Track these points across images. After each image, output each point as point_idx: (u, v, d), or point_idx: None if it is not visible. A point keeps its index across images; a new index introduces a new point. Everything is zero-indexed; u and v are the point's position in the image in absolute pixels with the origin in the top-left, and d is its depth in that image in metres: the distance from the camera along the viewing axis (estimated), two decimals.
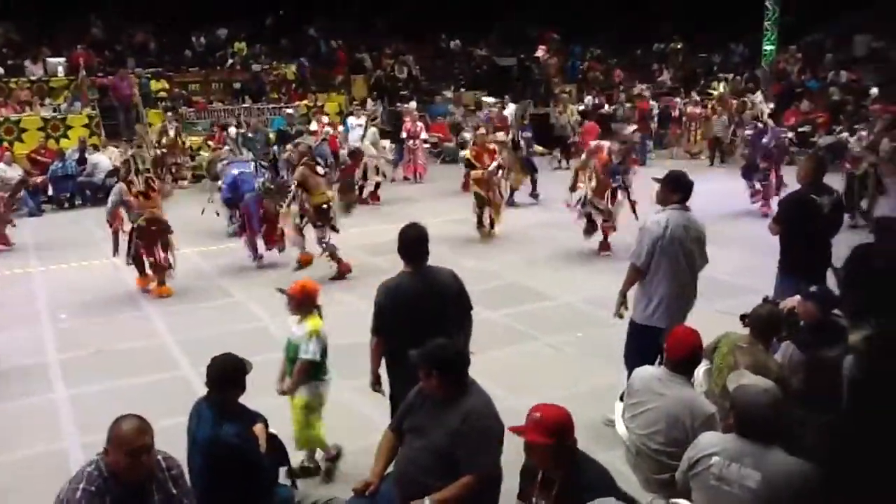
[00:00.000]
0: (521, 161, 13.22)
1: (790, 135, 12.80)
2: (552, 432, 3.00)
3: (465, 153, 11.35)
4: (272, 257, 10.00)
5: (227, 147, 13.24)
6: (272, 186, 9.75)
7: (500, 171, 11.20)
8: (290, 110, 17.90)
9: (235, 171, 10.23)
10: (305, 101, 19.73)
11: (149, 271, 8.82)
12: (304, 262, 9.46)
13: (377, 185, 14.10)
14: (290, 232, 9.62)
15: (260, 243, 9.85)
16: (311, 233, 9.30)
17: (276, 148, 15.16)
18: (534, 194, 13.47)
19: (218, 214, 11.11)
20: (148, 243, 8.61)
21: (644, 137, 16.41)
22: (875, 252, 5.80)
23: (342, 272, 9.13)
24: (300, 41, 23.89)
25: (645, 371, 4.07)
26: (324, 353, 4.68)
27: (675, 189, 5.07)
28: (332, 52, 23.42)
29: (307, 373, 4.64)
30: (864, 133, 11.59)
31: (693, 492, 3.28)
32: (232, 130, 15.74)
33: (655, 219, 4.98)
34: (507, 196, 12.89)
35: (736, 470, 3.10)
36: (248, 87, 20.41)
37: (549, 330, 7.25)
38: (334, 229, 9.14)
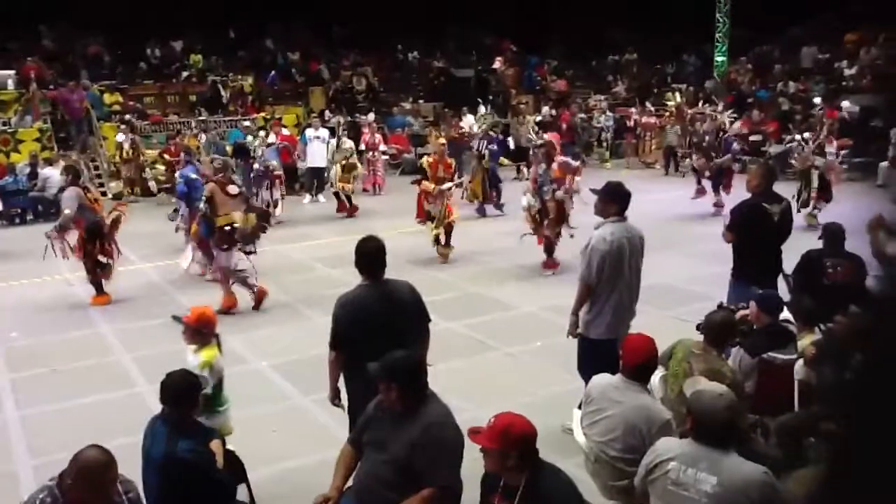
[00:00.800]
0: (484, 172, 13.34)
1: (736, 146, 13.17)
2: (503, 438, 3.01)
3: (423, 160, 10.86)
4: None
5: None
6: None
7: (453, 188, 10.61)
8: (247, 123, 17.74)
9: (193, 176, 10.14)
10: (263, 114, 19.58)
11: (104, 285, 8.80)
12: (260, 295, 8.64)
13: (349, 198, 14.11)
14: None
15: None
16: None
17: (232, 161, 15.05)
18: (499, 205, 13.55)
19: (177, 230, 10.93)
20: (103, 243, 8.67)
21: (567, 147, 16.36)
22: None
23: (258, 300, 8.48)
24: (257, 53, 23.75)
25: (602, 379, 4.11)
26: (219, 384, 4.44)
27: (613, 200, 5.10)
28: (290, 64, 23.31)
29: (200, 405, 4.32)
30: (808, 134, 12.03)
31: (651, 497, 3.32)
32: (203, 137, 15.62)
33: (600, 234, 5.00)
34: (477, 206, 13.10)
35: (692, 475, 3.14)
36: (204, 99, 20.22)
37: (508, 339, 7.28)
38: (247, 252, 8.56)
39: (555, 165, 9.21)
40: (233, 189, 8.38)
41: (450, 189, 10.32)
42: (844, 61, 20.75)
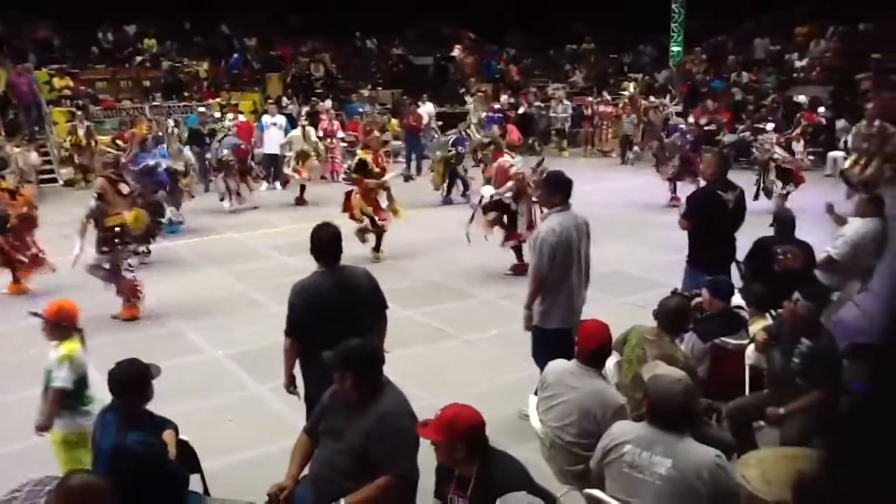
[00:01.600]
0: (446, 166, 13.37)
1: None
2: (449, 430, 3.01)
3: (361, 154, 9.74)
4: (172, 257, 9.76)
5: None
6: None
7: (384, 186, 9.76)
8: (202, 108, 17.45)
9: (151, 162, 9.99)
10: (218, 100, 19.28)
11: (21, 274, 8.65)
12: None
13: (303, 188, 14.03)
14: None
15: None
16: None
17: (187, 147, 14.82)
18: (465, 194, 13.52)
19: None
20: (19, 239, 8.49)
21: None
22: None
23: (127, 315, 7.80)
24: (213, 38, 23.37)
25: (558, 364, 4.14)
26: (81, 381, 4.18)
27: (557, 190, 5.12)
28: (244, 49, 22.99)
29: (59, 403, 4.11)
30: (770, 126, 12.31)
31: (607, 480, 3.36)
32: (170, 122, 15.50)
33: (548, 227, 5.00)
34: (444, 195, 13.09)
35: (647, 458, 3.19)
36: (158, 84, 19.85)
37: (465, 327, 7.31)
38: (137, 253, 8.25)
39: (494, 165, 8.92)
40: (124, 188, 7.83)
41: (381, 186, 9.62)
42: (795, 53, 21.14)
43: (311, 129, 14.31)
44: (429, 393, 5.59)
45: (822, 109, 16.78)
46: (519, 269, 8.68)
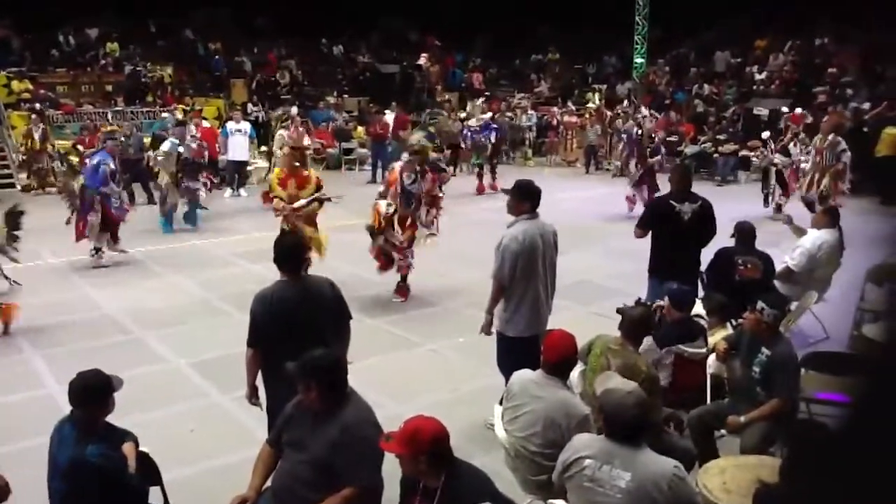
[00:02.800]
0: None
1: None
2: (412, 443, 3.01)
3: (271, 176, 8.51)
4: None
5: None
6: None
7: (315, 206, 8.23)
8: (165, 114, 17.25)
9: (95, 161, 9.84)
10: (182, 105, 19.08)
11: None
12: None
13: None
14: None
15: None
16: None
17: (151, 153, 14.63)
18: None
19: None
20: None
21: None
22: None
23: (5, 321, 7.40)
24: (176, 43, 23.14)
25: (523, 374, 4.16)
26: None
27: (524, 198, 5.14)
28: (210, 54, 22.81)
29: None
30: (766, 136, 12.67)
31: (568, 493, 3.37)
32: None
33: (512, 234, 5.03)
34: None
35: (608, 471, 3.21)
36: (121, 89, 19.57)
37: (431, 335, 7.30)
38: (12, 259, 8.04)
39: (428, 177, 8.12)
40: None
41: (309, 206, 8.06)
42: (755, 66, 21.56)
43: (280, 132, 14.22)
44: (394, 402, 5.58)
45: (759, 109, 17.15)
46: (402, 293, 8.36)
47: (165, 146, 11.90)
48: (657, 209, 6.30)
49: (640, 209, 11.12)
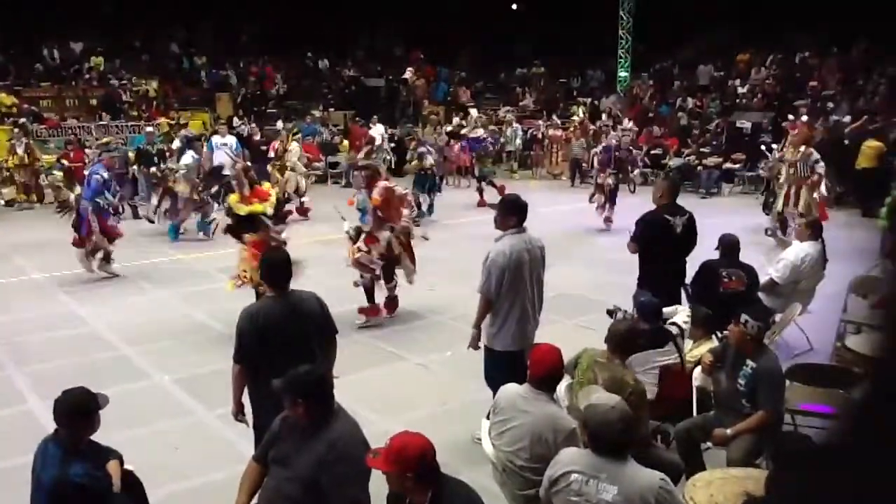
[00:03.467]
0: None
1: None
2: (399, 460, 3.00)
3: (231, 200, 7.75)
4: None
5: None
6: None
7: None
8: (149, 128, 17.19)
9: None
10: (167, 119, 19.02)
11: None
12: None
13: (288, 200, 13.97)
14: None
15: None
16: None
17: (135, 168, 14.58)
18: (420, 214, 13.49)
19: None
20: None
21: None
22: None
23: None
24: (161, 56, 23.11)
25: (510, 389, 4.16)
26: None
27: (511, 212, 5.16)
28: (195, 68, 22.82)
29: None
30: (775, 146, 12.70)
31: None
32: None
33: (499, 248, 5.04)
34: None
35: (594, 486, 3.22)
36: (105, 103, 19.52)
37: (418, 350, 7.29)
38: None
39: (375, 193, 7.64)
40: None
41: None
42: (738, 80, 21.78)
43: (293, 144, 14.54)
44: (382, 417, 5.57)
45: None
46: (370, 312, 8.01)
47: (187, 159, 12.29)
48: (653, 223, 6.31)
49: (620, 225, 11.19)
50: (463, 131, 16.38)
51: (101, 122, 18.51)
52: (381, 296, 8.16)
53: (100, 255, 9.82)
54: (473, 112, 18.07)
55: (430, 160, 14.18)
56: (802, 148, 11.04)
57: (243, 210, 7.51)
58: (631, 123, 14.94)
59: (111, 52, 22.06)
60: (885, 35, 18.18)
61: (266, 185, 8.24)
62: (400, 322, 8.19)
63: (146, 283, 9.75)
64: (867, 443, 0.89)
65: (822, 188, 10.91)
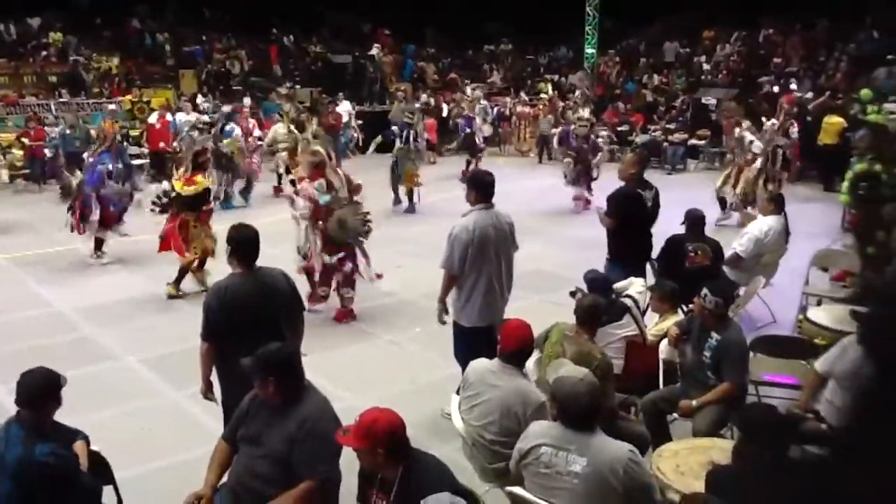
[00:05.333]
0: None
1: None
2: (368, 436, 3.01)
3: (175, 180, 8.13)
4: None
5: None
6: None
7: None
8: (112, 106, 16.85)
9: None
10: (130, 97, 18.66)
11: None
12: None
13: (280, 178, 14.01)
14: None
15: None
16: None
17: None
18: (399, 200, 13.31)
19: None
20: None
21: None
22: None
23: None
24: (122, 33, 22.60)
25: (479, 363, 4.19)
26: None
27: (474, 188, 5.18)
28: (157, 45, 22.36)
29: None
30: (774, 121, 12.81)
31: (525, 480, 3.41)
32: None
33: (463, 224, 5.06)
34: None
35: (564, 457, 3.26)
36: (65, 80, 19.06)
37: (389, 327, 7.30)
38: None
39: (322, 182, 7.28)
40: None
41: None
42: (703, 56, 21.92)
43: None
44: (352, 394, 5.57)
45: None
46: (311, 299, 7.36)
47: (237, 132, 12.97)
48: (628, 198, 6.35)
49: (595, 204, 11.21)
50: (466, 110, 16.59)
51: (62, 100, 18.09)
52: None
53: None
54: (346, 104, 18.26)
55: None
56: (736, 132, 11.17)
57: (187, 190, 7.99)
58: (587, 112, 14.91)
59: (70, 28, 21.51)
60: (846, 13, 18.49)
61: None
62: (370, 299, 8.17)
63: (111, 263, 9.60)
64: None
65: (758, 163, 11.05)
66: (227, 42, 23.41)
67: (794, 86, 17.25)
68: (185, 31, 23.54)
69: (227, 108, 15.55)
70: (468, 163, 15.33)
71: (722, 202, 11.19)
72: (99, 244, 9.61)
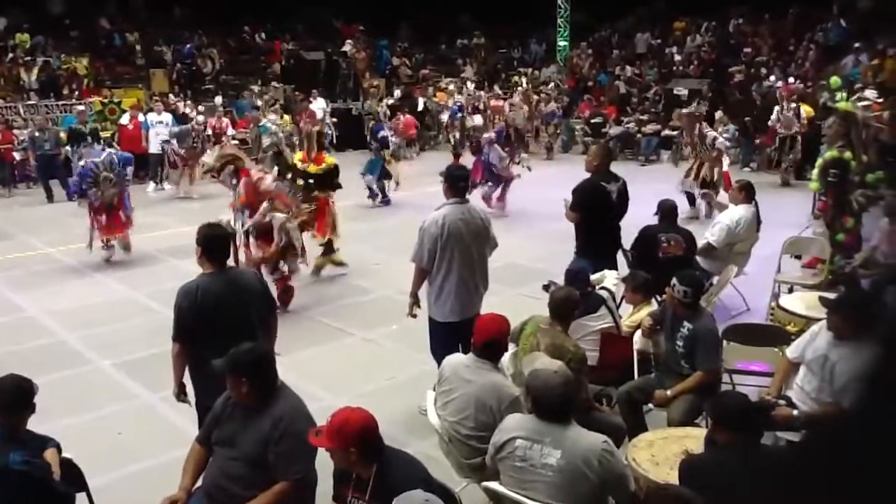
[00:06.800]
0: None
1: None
2: (340, 436, 3.00)
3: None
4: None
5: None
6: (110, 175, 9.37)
7: None
8: (81, 107, 16.64)
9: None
10: (100, 98, 18.43)
11: None
12: None
13: None
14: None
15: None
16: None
17: (68, 148, 14.13)
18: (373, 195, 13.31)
19: None
20: None
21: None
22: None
23: None
24: (92, 33, 22.31)
25: (454, 358, 4.19)
26: None
27: (451, 183, 5.19)
28: (126, 45, 22.10)
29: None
30: (785, 105, 13.61)
31: (501, 474, 3.42)
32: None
33: (433, 218, 5.07)
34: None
35: (538, 450, 3.27)
36: (34, 81, 18.79)
37: (364, 325, 7.28)
38: None
39: (241, 188, 7.39)
40: None
41: None
42: (674, 47, 22.05)
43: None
44: (330, 393, 5.56)
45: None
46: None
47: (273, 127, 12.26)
48: (592, 192, 6.32)
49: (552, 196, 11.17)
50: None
51: (30, 102, 17.84)
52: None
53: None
54: (320, 101, 18.28)
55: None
56: (696, 129, 11.17)
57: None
58: (518, 98, 15.09)
59: (38, 29, 21.20)
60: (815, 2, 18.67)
61: None
62: (345, 297, 8.16)
63: (84, 266, 9.49)
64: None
65: (725, 162, 11.11)
66: (199, 40, 23.20)
67: (773, 77, 17.42)
68: (156, 30, 23.28)
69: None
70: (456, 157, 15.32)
71: (690, 198, 11.18)
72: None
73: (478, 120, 17.33)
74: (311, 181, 8.32)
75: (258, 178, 7.43)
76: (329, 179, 8.58)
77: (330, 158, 8.81)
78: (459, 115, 17.55)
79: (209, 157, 8.28)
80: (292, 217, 7.54)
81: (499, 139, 12.49)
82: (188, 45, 21.98)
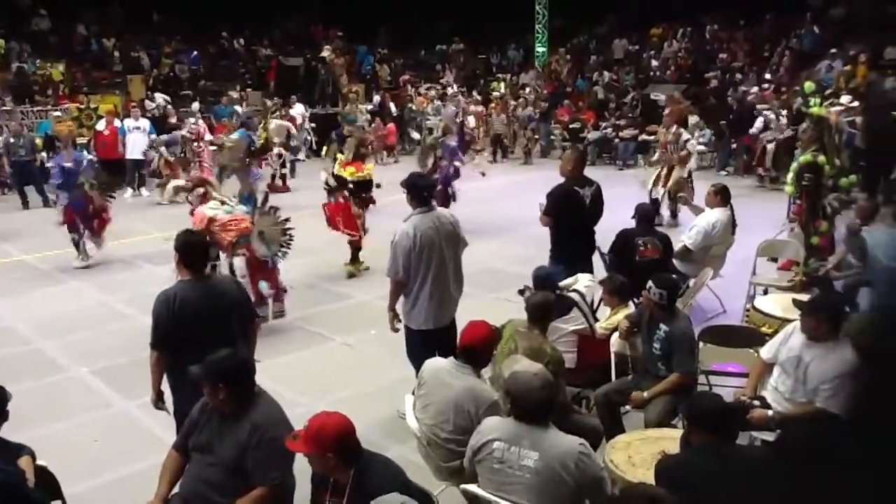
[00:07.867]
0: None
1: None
2: (317, 441, 3.00)
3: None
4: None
5: None
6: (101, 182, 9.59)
7: None
8: (57, 113, 16.49)
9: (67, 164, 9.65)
10: (76, 104, 18.25)
11: None
12: None
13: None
14: None
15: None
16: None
17: (44, 154, 14.01)
18: None
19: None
20: None
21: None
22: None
23: None
24: (68, 38, 22.10)
25: (435, 362, 4.19)
26: None
27: (414, 192, 5.16)
28: (104, 50, 21.91)
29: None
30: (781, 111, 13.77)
31: (479, 476, 3.44)
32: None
33: (403, 230, 5.04)
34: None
35: (516, 452, 3.29)
36: (8, 87, 18.57)
37: (343, 330, 7.26)
38: None
39: (196, 219, 6.94)
40: None
41: None
42: (651, 52, 22.24)
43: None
44: (309, 398, 5.55)
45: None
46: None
47: (235, 136, 12.03)
48: (565, 196, 6.34)
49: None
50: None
51: (5, 108, 17.63)
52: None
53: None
54: (299, 106, 18.53)
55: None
56: (674, 128, 11.15)
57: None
58: (494, 104, 15.21)
59: (13, 34, 20.96)
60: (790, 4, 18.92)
61: None
62: (324, 302, 8.15)
63: (61, 273, 9.41)
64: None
65: (692, 162, 11.13)
66: (177, 46, 23.07)
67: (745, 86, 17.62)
68: (133, 36, 23.12)
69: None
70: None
71: (655, 203, 11.07)
72: (76, 245, 9.59)
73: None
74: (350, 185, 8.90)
75: (202, 216, 6.90)
76: (363, 188, 9.03)
77: (368, 166, 9.35)
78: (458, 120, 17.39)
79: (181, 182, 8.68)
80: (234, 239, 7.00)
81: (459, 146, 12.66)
82: (194, 53, 21.89)
